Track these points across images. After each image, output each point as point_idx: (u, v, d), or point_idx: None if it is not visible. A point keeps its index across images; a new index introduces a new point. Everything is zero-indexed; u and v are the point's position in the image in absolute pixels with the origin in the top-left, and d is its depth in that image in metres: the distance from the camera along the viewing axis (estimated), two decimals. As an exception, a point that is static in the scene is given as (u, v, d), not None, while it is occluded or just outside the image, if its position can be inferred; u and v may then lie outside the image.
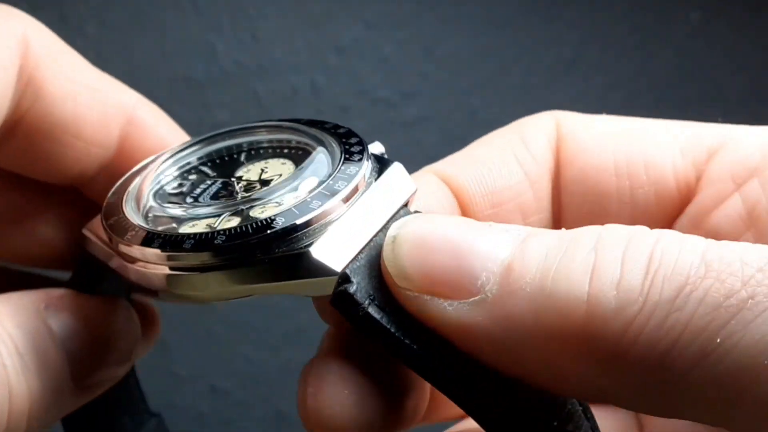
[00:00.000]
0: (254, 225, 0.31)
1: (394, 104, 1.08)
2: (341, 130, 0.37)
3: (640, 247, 0.26)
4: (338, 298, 0.30)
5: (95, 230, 0.37)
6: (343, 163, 0.34)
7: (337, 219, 0.32)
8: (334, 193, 0.32)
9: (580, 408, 0.32)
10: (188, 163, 0.39)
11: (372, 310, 0.30)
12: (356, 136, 0.36)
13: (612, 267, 0.26)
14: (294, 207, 0.32)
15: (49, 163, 0.39)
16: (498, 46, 1.12)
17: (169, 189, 0.37)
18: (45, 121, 0.37)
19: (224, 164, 0.38)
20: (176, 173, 0.38)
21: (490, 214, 0.39)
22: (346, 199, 0.32)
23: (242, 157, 0.38)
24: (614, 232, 0.28)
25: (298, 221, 0.31)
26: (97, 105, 0.38)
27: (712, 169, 0.37)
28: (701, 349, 0.24)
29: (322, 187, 0.33)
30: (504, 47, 1.12)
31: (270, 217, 0.31)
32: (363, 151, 0.35)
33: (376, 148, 0.37)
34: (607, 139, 0.39)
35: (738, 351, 0.24)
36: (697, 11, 1.11)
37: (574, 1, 1.15)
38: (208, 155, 0.39)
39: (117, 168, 0.40)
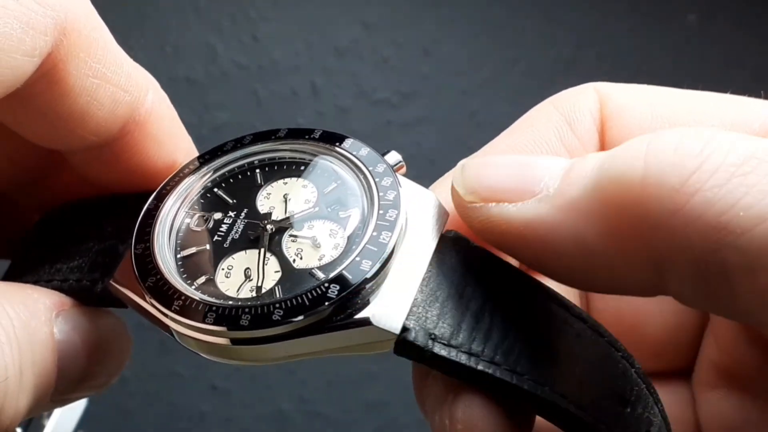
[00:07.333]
0: (309, 296, 0.30)
1: (393, 105, 1.09)
2: (363, 152, 0.36)
3: (696, 132, 0.28)
4: (400, 348, 0.30)
5: (125, 282, 0.34)
6: (380, 206, 0.33)
7: (387, 275, 0.31)
8: (381, 248, 0.31)
9: (649, 394, 0.33)
10: (204, 188, 0.37)
11: (437, 349, 0.29)
12: (382, 161, 0.35)
13: (670, 138, 0.27)
14: (345, 269, 0.31)
15: (39, 136, 0.37)
16: (497, 47, 1.12)
17: (192, 225, 0.36)
18: (53, 108, 0.35)
19: (240, 186, 0.37)
20: (195, 204, 0.37)
21: None
22: (392, 252, 0.31)
23: (258, 177, 0.37)
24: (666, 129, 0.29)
25: (354, 290, 0.30)
26: (108, 103, 0.36)
27: None
28: (762, 211, 0.25)
29: (367, 240, 0.32)
30: (503, 48, 1.12)
31: (324, 284, 0.30)
32: (395, 184, 0.34)
33: (393, 157, 0.36)
34: (652, 126, 0.38)
35: None
36: (695, 13, 1.12)
37: (574, 2, 1.15)
38: (221, 176, 0.37)
39: (105, 150, 0.39)
